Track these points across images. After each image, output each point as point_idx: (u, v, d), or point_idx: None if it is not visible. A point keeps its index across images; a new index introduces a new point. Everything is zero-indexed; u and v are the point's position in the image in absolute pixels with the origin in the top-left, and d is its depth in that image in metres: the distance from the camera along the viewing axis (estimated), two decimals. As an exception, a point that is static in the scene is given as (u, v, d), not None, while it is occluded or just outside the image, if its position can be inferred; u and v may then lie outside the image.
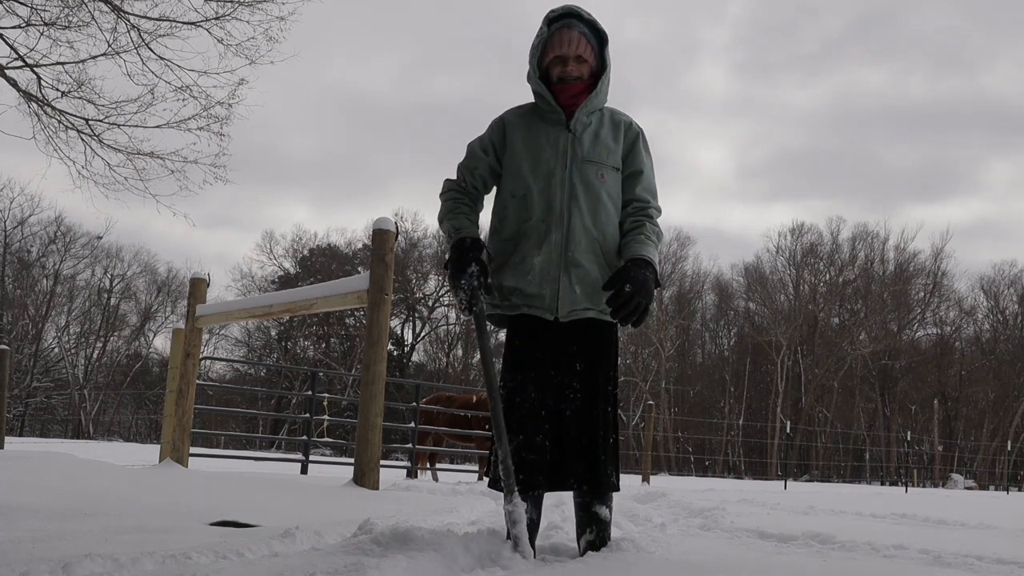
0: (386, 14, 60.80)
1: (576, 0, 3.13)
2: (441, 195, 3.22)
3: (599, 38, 3.11)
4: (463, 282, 2.94)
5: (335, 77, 62.25)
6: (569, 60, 3.05)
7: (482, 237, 3.11)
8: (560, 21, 3.08)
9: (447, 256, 3.06)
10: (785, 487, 17.10)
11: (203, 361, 22.98)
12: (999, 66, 60.83)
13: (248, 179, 61.68)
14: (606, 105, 3.18)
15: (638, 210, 3.12)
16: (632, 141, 3.17)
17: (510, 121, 3.17)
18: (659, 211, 3.18)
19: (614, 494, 3.13)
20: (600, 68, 3.12)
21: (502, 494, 2.93)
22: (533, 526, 3.12)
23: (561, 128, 3.08)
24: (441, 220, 3.18)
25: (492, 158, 3.17)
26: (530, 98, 3.20)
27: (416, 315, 48.49)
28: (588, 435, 3.01)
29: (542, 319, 3.04)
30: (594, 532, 3.07)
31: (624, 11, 59.61)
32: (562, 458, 3.01)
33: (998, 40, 60.38)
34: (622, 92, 52.87)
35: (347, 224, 75.01)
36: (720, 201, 66.35)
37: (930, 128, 62.78)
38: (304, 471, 11.23)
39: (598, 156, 3.07)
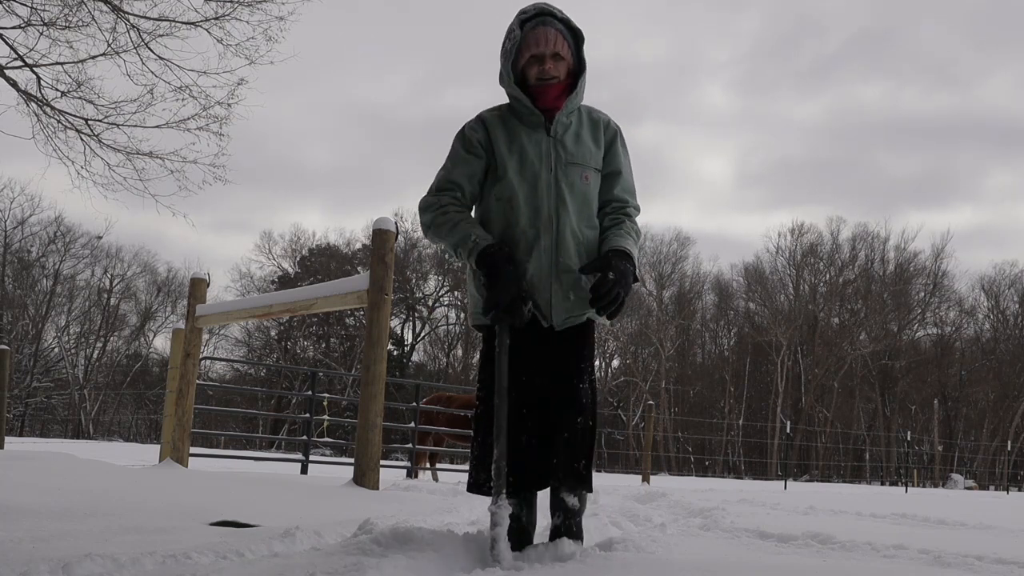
0: (401, 28, 62.20)
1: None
2: (426, 212, 3.01)
3: (575, 36, 3.01)
4: (513, 301, 2.79)
5: (354, 92, 63.85)
6: (546, 58, 2.94)
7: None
8: (534, 20, 2.96)
9: (477, 270, 2.88)
10: (785, 487, 17.09)
11: (203, 361, 22.95)
12: (995, 80, 61.58)
13: (267, 187, 62.86)
14: (583, 104, 3.09)
15: (616, 209, 3.08)
16: (611, 140, 3.10)
17: (490, 120, 3.03)
18: (638, 210, 3.13)
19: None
20: (578, 67, 3.02)
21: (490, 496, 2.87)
22: (530, 527, 3.10)
23: (542, 131, 2.99)
24: (441, 235, 2.97)
25: (483, 156, 3.00)
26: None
27: (416, 315, 48.49)
28: (563, 432, 2.94)
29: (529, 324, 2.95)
30: (560, 518, 3.00)
31: (635, 29, 61.55)
32: (540, 456, 2.97)
33: (993, 55, 61.01)
34: (629, 104, 53.62)
35: (349, 225, 75.81)
36: (723, 209, 66.84)
37: (928, 139, 63.60)
38: (304, 471, 11.22)
39: (582, 158, 3.00)
